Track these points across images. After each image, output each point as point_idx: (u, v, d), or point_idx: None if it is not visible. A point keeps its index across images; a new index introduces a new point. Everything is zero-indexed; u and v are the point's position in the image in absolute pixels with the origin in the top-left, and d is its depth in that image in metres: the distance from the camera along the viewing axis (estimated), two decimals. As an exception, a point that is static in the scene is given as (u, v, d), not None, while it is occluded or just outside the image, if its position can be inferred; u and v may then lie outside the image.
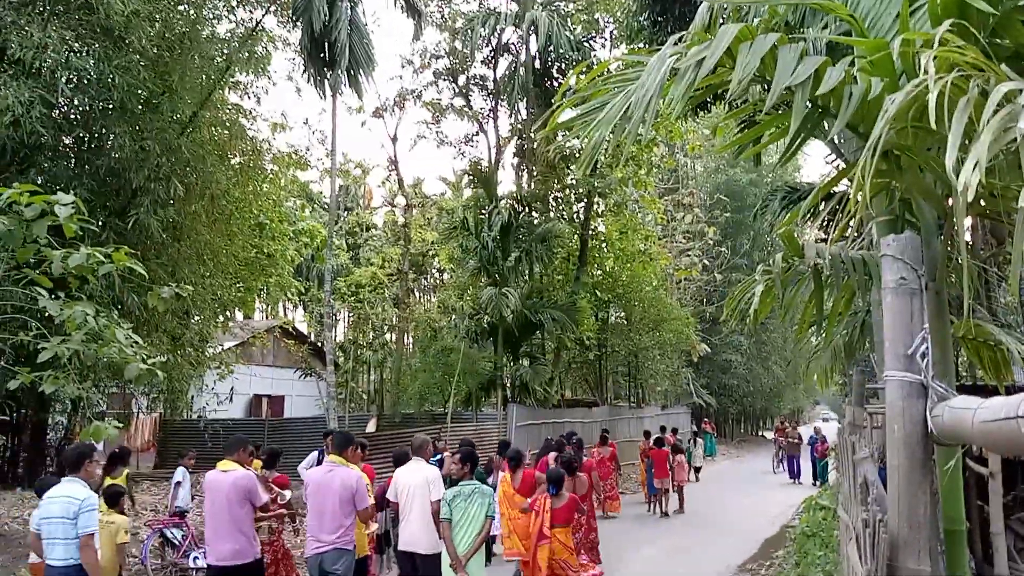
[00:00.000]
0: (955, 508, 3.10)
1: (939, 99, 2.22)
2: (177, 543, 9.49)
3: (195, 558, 9.20)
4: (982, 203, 3.13)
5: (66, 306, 5.94)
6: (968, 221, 8.33)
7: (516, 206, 21.09)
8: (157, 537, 9.56)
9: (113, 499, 6.71)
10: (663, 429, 21.10)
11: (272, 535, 7.84)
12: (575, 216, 24.52)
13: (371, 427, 20.48)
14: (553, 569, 7.32)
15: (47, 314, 5.99)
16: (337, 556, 6.20)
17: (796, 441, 22.96)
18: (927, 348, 2.24)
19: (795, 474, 22.32)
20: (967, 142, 2.19)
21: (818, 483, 20.10)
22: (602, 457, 15.40)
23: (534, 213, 22.32)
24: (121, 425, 7.05)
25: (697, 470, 23.15)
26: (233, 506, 6.23)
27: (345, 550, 6.26)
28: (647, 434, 18.91)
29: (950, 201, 3.18)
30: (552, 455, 9.96)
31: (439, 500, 6.41)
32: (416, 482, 6.65)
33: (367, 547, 7.53)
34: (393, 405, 25.21)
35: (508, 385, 21.00)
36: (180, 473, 10.28)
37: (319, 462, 10.81)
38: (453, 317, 22.61)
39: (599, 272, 26.35)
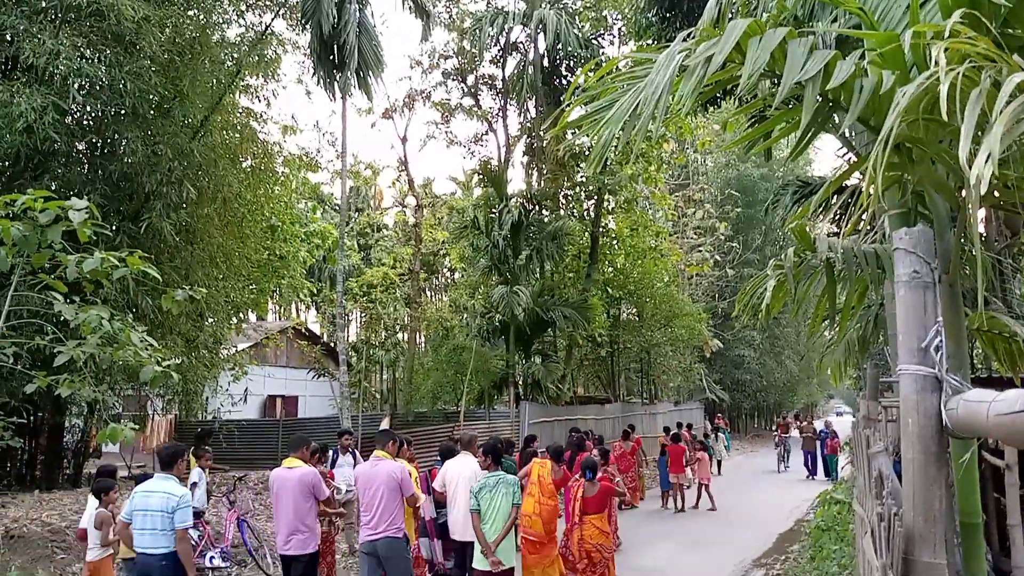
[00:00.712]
0: (971, 501, 3.08)
1: (951, 91, 2.22)
2: (193, 543, 9.52)
3: (211, 558, 9.23)
4: (996, 194, 3.12)
5: (81, 310, 5.99)
6: (982, 213, 8.28)
7: (526, 204, 21.08)
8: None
9: None
10: (679, 425, 21.14)
11: (330, 528, 8.30)
12: (585, 213, 24.48)
13: (384, 426, 20.50)
14: (589, 552, 7.88)
15: (63, 318, 6.04)
16: (390, 543, 6.69)
17: (812, 436, 22.79)
18: (941, 341, 2.24)
19: (811, 470, 22.09)
20: (980, 134, 2.18)
21: (829, 478, 19.99)
22: (623, 451, 15.59)
23: (544, 211, 22.30)
24: (137, 427, 7.11)
25: (719, 463, 23.46)
26: (299, 500, 6.73)
27: (397, 538, 6.77)
28: (667, 430, 19.08)
29: (963, 193, 3.16)
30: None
31: None
32: (465, 474, 7.25)
33: (412, 534, 8.01)
34: (406, 404, 25.25)
35: (520, 383, 21.01)
36: (196, 474, 10.33)
37: (334, 462, 10.91)
38: (465, 316, 22.62)
39: (610, 269, 26.31)
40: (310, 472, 6.92)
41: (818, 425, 24.83)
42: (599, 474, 8.73)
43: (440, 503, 7.56)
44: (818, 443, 22.24)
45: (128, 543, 6.11)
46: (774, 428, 27.33)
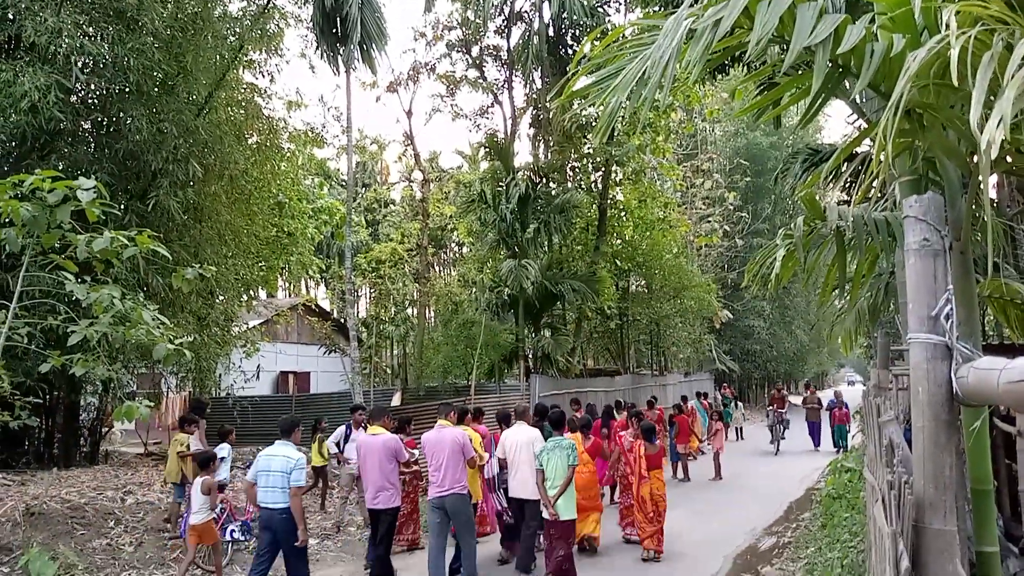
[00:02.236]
0: (982, 467, 3.09)
1: (962, 55, 2.18)
2: (215, 516, 9.63)
3: (231, 531, 9.34)
4: (1007, 160, 3.08)
5: (93, 289, 6.04)
6: (993, 179, 8.18)
7: (533, 177, 20.96)
8: (194, 511, 9.72)
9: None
10: (698, 395, 21.12)
11: (407, 487, 9.42)
12: (593, 185, 24.33)
13: (396, 401, 20.69)
14: (656, 502, 9.33)
15: (75, 298, 6.09)
16: (456, 499, 7.70)
17: (816, 406, 22.12)
18: (951, 309, 2.22)
19: (816, 442, 21.48)
20: (992, 98, 2.15)
21: (837, 449, 19.50)
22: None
23: (552, 184, 22.18)
24: (152, 404, 7.23)
25: (739, 430, 24.62)
26: (383, 462, 7.73)
27: (462, 494, 7.78)
28: (684, 399, 19.39)
29: (974, 159, 3.12)
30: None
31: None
32: (522, 440, 8.23)
33: (479, 492, 9.37)
34: (417, 379, 25.39)
35: (530, 356, 21.08)
36: (225, 449, 10.41)
37: (347, 437, 11.02)
38: (473, 290, 22.63)
39: (619, 241, 26.21)
40: (392, 438, 7.97)
41: (827, 395, 24.49)
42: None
43: (503, 466, 8.84)
44: (824, 413, 21.58)
45: (253, 501, 7.17)
46: (768, 403, 24.80)
